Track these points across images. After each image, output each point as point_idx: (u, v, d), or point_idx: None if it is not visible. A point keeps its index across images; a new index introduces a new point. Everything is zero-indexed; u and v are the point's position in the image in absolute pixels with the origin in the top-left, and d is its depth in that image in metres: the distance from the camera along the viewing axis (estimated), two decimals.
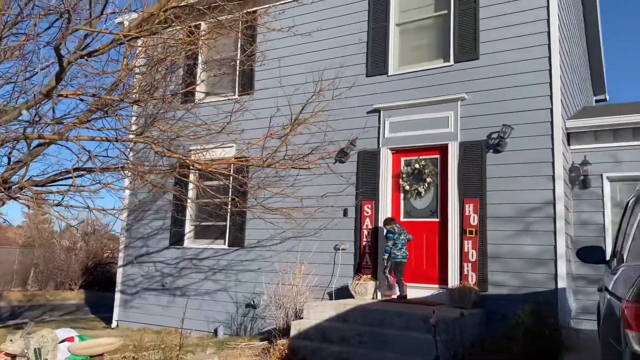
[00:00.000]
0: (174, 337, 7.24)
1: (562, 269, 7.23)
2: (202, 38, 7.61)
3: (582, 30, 11.70)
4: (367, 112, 9.02)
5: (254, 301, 9.40)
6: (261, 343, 7.94)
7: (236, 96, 10.30)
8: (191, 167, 7.96)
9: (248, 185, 8.93)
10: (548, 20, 7.82)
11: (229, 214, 9.78)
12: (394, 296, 8.11)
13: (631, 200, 4.40)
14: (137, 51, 7.68)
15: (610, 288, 3.70)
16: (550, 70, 7.71)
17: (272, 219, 9.16)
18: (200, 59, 10.62)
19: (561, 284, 7.21)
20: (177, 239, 10.68)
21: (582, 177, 8.24)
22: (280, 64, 9.76)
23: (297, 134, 8.41)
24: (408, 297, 7.92)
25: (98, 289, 19.19)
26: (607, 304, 3.62)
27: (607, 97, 14.07)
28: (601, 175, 8.25)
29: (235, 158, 8.79)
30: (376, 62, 9.12)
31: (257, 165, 7.88)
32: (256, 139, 8.81)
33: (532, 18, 7.94)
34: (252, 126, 9.70)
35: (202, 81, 10.28)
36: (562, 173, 7.52)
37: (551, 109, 7.63)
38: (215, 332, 9.60)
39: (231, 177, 8.74)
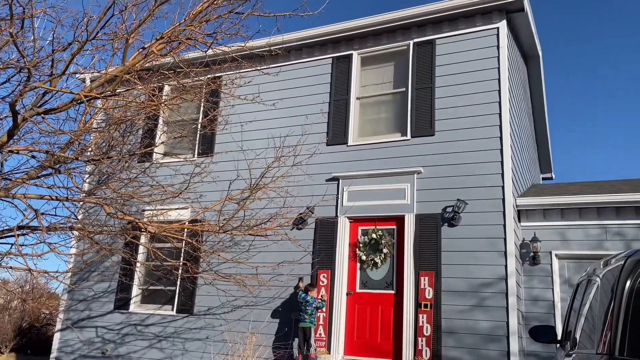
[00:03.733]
0: None
1: (514, 346, 7.25)
2: (166, 102, 7.58)
3: (530, 112, 12.38)
4: (326, 180, 9.09)
5: None
6: None
7: (195, 158, 10.21)
8: (143, 230, 7.70)
9: (201, 250, 8.67)
10: (500, 103, 8.25)
11: (179, 279, 9.42)
12: None
13: (582, 281, 4.49)
14: (96, 110, 7.56)
15: None
16: (501, 150, 8.05)
17: (224, 286, 8.88)
18: (160, 119, 10.55)
19: None
20: (122, 303, 10.16)
21: (532, 254, 8.44)
22: (242, 128, 9.81)
23: (256, 199, 8.33)
24: None
25: (31, 352, 17.79)
26: None
27: (553, 176, 14.75)
28: (550, 252, 8.47)
29: (190, 222, 8.56)
30: (337, 132, 9.31)
31: (212, 231, 7.69)
32: (213, 202, 8.67)
33: (485, 100, 8.37)
34: (210, 189, 9.57)
35: (162, 142, 10.16)
36: (514, 249, 7.70)
37: (503, 187, 7.90)
38: None
39: (184, 242, 8.48)
